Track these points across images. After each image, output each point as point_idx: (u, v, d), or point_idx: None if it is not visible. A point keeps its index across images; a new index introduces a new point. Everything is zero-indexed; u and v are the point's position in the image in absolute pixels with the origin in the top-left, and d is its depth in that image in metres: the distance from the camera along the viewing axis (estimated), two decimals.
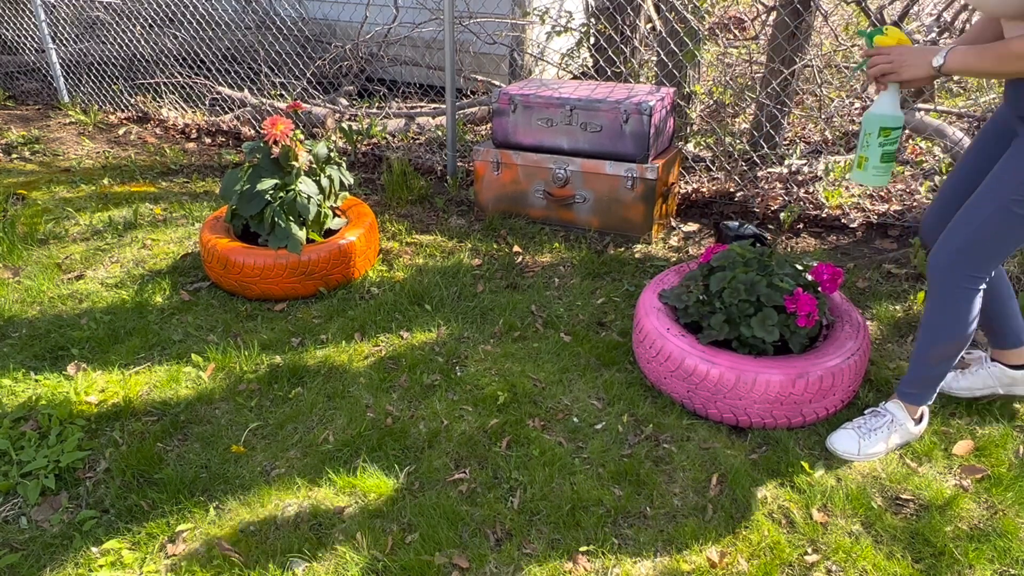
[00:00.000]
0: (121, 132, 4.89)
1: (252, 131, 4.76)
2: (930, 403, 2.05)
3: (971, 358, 2.24)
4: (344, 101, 5.00)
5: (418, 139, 4.54)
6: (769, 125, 3.70)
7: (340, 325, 2.65)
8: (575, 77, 4.98)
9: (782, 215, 3.33)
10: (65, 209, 3.63)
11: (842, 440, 2.01)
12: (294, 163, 2.79)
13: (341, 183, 2.99)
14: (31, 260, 3.13)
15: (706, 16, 4.17)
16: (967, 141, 3.56)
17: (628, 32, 4.14)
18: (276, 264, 2.70)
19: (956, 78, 4.55)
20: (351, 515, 1.84)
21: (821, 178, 3.53)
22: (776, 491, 1.90)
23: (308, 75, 5.09)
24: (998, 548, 1.72)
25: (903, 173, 3.62)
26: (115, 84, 5.42)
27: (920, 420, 2.05)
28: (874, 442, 1.99)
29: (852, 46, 4.75)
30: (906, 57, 1.71)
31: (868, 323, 2.61)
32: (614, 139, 3.15)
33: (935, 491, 1.88)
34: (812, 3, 3.48)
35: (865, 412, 2.08)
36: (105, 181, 4.02)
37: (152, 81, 5.43)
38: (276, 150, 2.78)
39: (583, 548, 1.73)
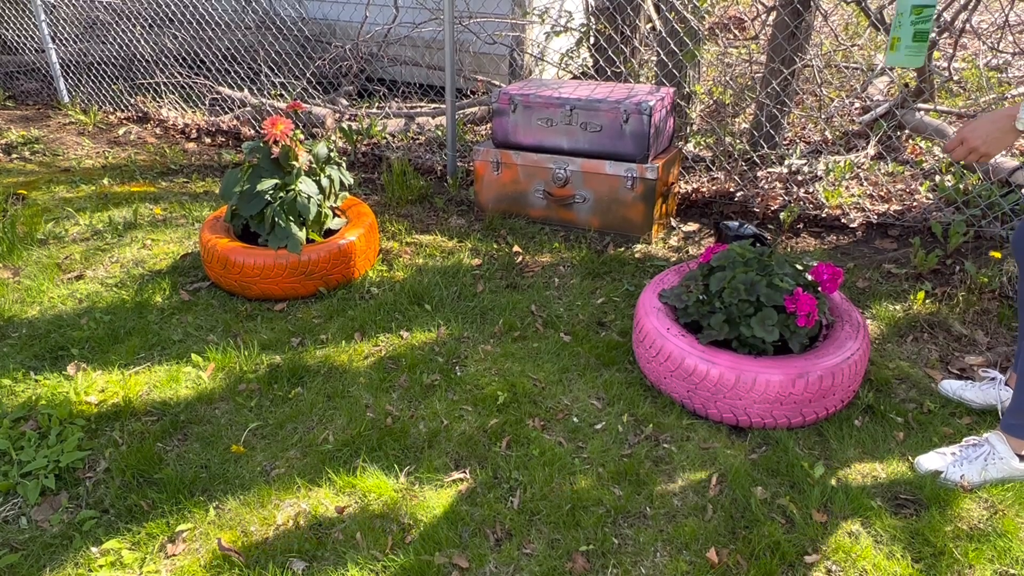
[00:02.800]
0: (121, 132, 4.89)
1: (252, 131, 4.76)
2: None
3: (985, 375, 2.21)
4: (344, 101, 4.99)
5: (418, 139, 4.54)
6: (769, 125, 3.70)
7: (340, 325, 2.65)
8: (575, 77, 4.97)
9: (782, 215, 3.33)
10: (65, 209, 3.63)
11: (932, 462, 1.93)
12: (294, 163, 2.79)
13: (341, 183, 2.99)
14: (31, 260, 3.13)
15: (706, 16, 4.17)
16: None
17: (628, 32, 4.14)
18: (276, 264, 2.70)
19: (956, 78, 4.55)
20: (351, 515, 1.84)
21: (821, 178, 3.53)
22: (776, 491, 1.90)
23: (308, 75, 5.09)
24: (998, 548, 1.72)
25: (903, 173, 3.62)
26: (115, 84, 5.42)
27: None
28: (967, 474, 1.88)
29: (852, 46, 4.75)
30: (981, 132, 1.57)
31: (868, 323, 2.61)
32: (614, 139, 3.15)
33: (935, 491, 1.88)
34: (812, 3, 3.48)
35: (963, 441, 1.97)
36: (105, 181, 4.02)
37: (152, 81, 5.43)
38: (276, 150, 2.78)
39: (583, 548, 1.73)
